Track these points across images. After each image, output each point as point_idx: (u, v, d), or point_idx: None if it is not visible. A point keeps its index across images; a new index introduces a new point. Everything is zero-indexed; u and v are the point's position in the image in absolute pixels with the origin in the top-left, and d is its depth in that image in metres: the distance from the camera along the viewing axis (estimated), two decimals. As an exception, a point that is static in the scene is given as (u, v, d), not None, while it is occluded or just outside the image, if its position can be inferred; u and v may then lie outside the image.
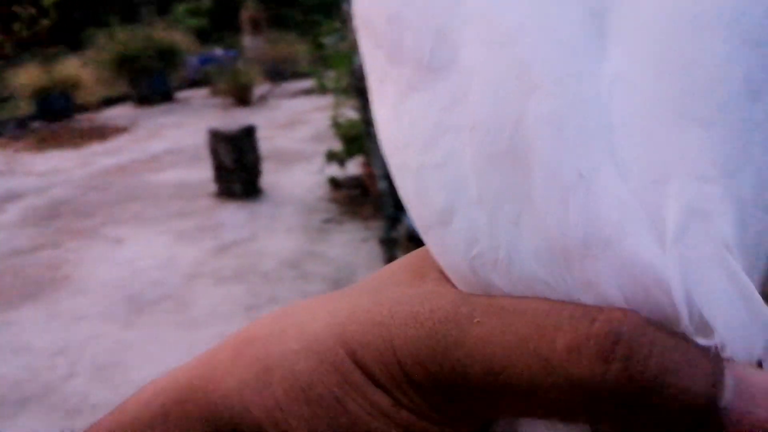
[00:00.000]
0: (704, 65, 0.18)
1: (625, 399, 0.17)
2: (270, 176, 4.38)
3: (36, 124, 7.02)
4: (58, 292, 3.05)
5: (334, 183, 4.16)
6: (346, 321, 0.21)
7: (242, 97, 7.36)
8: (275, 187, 4.32)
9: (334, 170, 4.08)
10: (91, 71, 7.57)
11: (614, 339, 0.17)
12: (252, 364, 0.22)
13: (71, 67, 7.41)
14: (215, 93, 7.73)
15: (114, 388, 2.26)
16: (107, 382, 2.31)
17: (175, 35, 8.26)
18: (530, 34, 0.19)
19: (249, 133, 4.16)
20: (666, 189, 0.18)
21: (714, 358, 0.17)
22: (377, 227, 3.37)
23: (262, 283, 2.99)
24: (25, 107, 7.19)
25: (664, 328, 0.17)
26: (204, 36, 9.87)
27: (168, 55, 7.91)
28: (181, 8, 10.41)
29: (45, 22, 8.09)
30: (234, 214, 3.92)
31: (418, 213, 0.22)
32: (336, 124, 4.04)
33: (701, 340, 0.17)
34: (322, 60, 4.61)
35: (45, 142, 6.30)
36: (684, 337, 0.17)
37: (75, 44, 8.34)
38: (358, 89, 3.17)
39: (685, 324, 0.17)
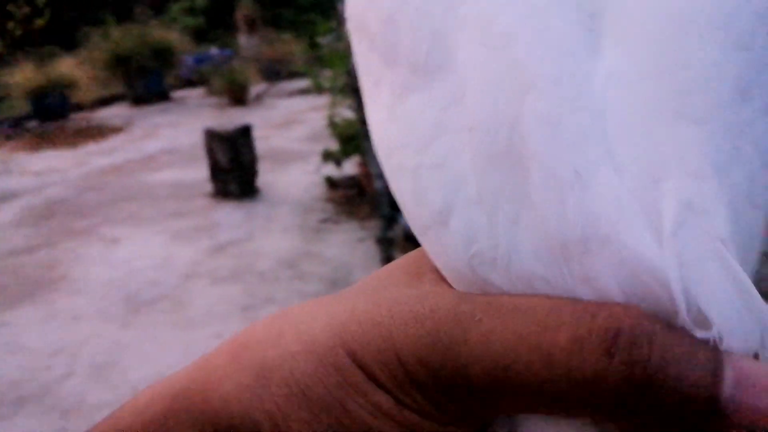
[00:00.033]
0: (697, 66, 0.19)
1: (628, 392, 0.17)
2: (266, 176, 4.38)
3: (31, 124, 7.01)
4: (54, 293, 3.04)
5: (331, 183, 4.15)
6: (345, 322, 0.21)
7: (238, 97, 7.35)
8: (271, 187, 4.31)
9: (330, 170, 4.07)
10: (86, 71, 7.55)
11: (616, 333, 0.17)
12: (250, 368, 0.22)
13: (66, 66, 7.39)
14: (211, 92, 7.72)
15: (111, 388, 2.25)
16: (104, 382, 2.31)
17: (171, 34, 8.24)
18: (526, 35, 0.19)
19: (245, 132, 4.15)
20: (662, 186, 0.18)
21: (713, 350, 0.17)
22: (374, 227, 3.37)
23: (259, 283, 2.99)
24: (20, 107, 7.17)
25: (663, 321, 0.17)
26: (199, 35, 9.86)
27: (163, 55, 7.89)
28: (176, 7, 10.38)
29: (39, 22, 8.06)
30: (230, 213, 3.91)
31: (415, 214, 0.22)
32: (332, 124, 4.03)
33: (700, 333, 0.17)
34: (318, 59, 4.60)
35: (40, 142, 6.29)
36: (683, 330, 0.17)
37: (70, 43, 8.31)
38: (354, 89, 3.16)
39: (684, 317, 0.17)
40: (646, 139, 0.18)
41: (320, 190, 4.18)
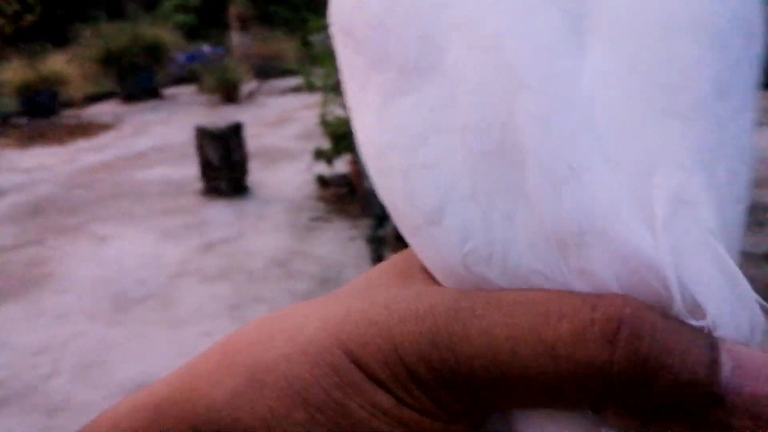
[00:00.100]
0: (678, 65, 0.20)
1: (631, 381, 0.17)
2: (257, 174, 4.37)
3: (21, 121, 6.97)
4: (41, 290, 3.02)
5: (322, 181, 4.15)
6: (341, 322, 0.21)
7: (230, 95, 7.34)
8: (262, 185, 4.30)
9: (321, 168, 4.07)
10: (77, 67, 7.52)
11: (617, 323, 0.17)
12: (240, 373, 0.21)
13: (57, 63, 7.36)
14: (202, 90, 7.70)
15: (97, 388, 2.24)
16: (90, 381, 2.29)
17: (162, 32, 8.21)
18: (514, 37, 0.20)
19: (236, 130, 4.14)
20: (652, 179, 0.19)
21: (709, 339, 0.18)
22: (365, 226, 3.37)
23: (249, 282, 2.98)
24: (9, 103, 7.12)
25: (660, 311, 0.18)
26: (191, 33, 9.83)
27: (155, 52, 7.87)
28: (168, 4, 10.36)
29: (29, 18, 8.02)
30: (220, 212, 3.90)
31: (406, 214, 0.22)
32: (324, 122, 4.02)
33: (694, 322, 0.18)
34: (310, 57, 4.60)
35: (30, 139, 6.25)
36: (679, 320, 0.18)
37: (60, 40, 8.27)
38: (345, 87, 3.15)
39: (679, 307, 0.18)
40: (634, 135, 0.19)
41: (311, 188, 4.17)
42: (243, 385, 0.21)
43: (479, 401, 0.19)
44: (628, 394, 0.17)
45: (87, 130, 6.48)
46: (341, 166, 4.03)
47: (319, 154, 3.99)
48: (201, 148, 4.11)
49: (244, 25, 9.44)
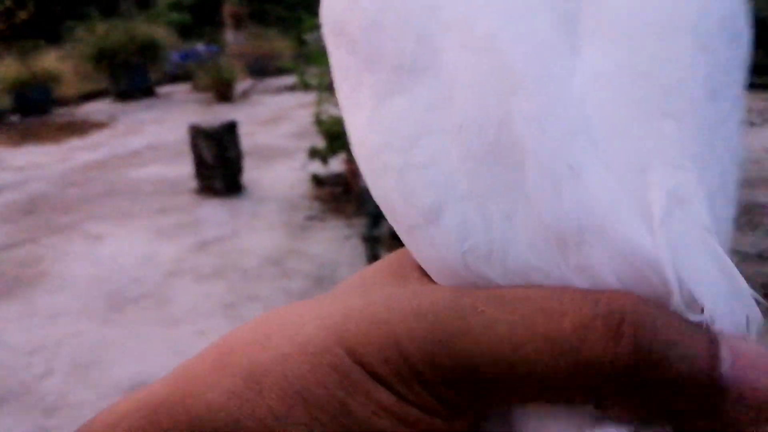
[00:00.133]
0: (670, 67, 0.20)
1: (635, 374, 0.17)
2: (252, 173, 4.36)
3: (14, 118, 6.93)
4: (35, 289, 3.00)
5: (317, 180, 4.14)
6: (340, 321, 0.20)
7: (224, 93, 7.32)
8: (257, 184, 4.29)
9: (316, 167, 4.06)
10: (71, 65, 7.49)
11: (620, 318, 0.18)
12: (237, 374, 0.21)
13: (50, 60, 7.32)
14: (197, 88, 7.68)
15: (92, 387, 2.23)
16: (85, 380, 2.28)
17: (157, 30, 8.18)
18: (507, 37, 0.20)
19: (230, 129, 4.13)
20: (647, 178, 0.19)
21: (708, 332, 0.18)
22: (360, 225, 3.36)
23: (243, 281, 2.97)
24: (2, 101, 7.08)
25: (660, 306, 0.18)
26: (185, 31, 9.80)
27: (149, 50, 7.84)
28: (162, 2, 10.32)
29: (22, 14, 7.97)
30: (215, 210, 3.89)
31: (402, 213, 0.22)
32: (319, 121, 4.02)
33: (693, 317, 0.18)
34: (305, 56, 4.59)
35: (23, 137, 6.22)
36: (679, 314, 0.18)
37: (54, 37, 8.23)
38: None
39: (678, 302, 0.18)
40: (629, 134, 0.19)
41: (306, 187, 4.16)
42: (240, 385, 0.20)
43: (482, 397, 0.19)
44: (631, 387, 0.17)
45: (81, 128, 6.45)
46: (336, 165, 4.02)
47: (314, 153, 3.98)
48: (195, 147, 4.09)
49: (239, 23, 9.42)
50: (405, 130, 0.22)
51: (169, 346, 2.45)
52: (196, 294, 2.87)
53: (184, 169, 4.38)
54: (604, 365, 0.17)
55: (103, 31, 7.61)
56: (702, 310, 0.18)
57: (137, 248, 3.39)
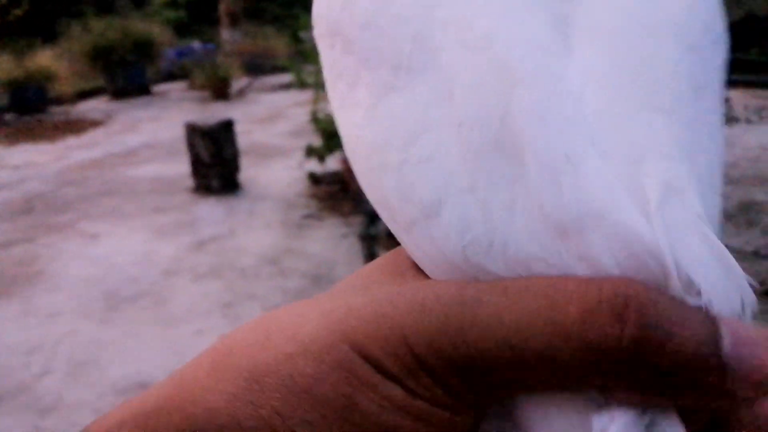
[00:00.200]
0: (658, 64, 0.21)
1: (640, 355, 0.18)
2: (248, 171, 4.36)
3: (9, 117, 6.91)
4: (32, 288, 3.00)
5: (314, 178, 4.14)
6: (343, 318, 0.20)
7: (220, 91, 7.31)
8: (254, 183, 4.29)
9: (313, 165, 4.06)
10: (66, 63, 7.47)
11: (624, 301, 0.18)
12: (238, 375, 0.21)
13: (45, 58, 7.30)
14: (193, 86, 7.67)
15: (90, 387, 2.23)
16: (82, 380, 2.28)
17: (152, 27, 8.17)
18: (505, 36, 0.21)
19: (227, 127, 4.12)
20: (642, 168, 0.20)
21: (708, 314, 0.18)
22: (357, 223, 3.36)
23: (241, 280, 2.97)
24: (-3, 99, 7.06)
25: (660, 290, 0.18)
26: (181, 29, 9.78)
27: (145, 48, 7.82)
28: (158, 0, 10.29)
29: (17, 12, 7.94)
30: (211, 209, 3.89)
31: (400, 210, 0.22)
32: (315, 119, 4.02)
33: (691, 300, 0.18)
34: (301, 54, 4.58)
35: (18, 136, 6.20)
36: (678, 297, 0.18)
37: (49, 35, 8.20)
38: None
39: (676, 286, 0.18)
40: (623, 127, 0.20)
41: (303, 185, 4.16)
42: (242, 387, 0.20)
43: (490, 387, 0.19)
44: (636, 369, 0.18)
45: (76, 126, 6.43)
46: (333, 163, 4.02)
47: (311, 151, 3.98)
48: (192, 145, 4.09)
49: (234, 21, 9.41)
50: (404, 128, 0.22)
51: (167, 346, 2.45)
52: (194, 293, 2.87)
53: (181, 167, 4.37)
54: (611, 347, 0.18)
55: (98, 29, 7.59)
56: (699, 294, 0.18)
57: (134, 247, 3.39)
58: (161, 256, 3.24)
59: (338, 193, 3.96)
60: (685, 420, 0.19)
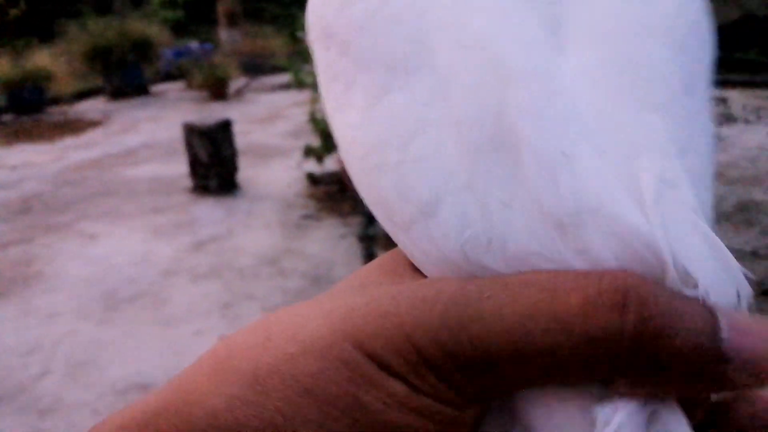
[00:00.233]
0: (649, 64, 0.22)
1: (642, 346, 0.18)
2: (247, 171, 4.35)
3: (7, 117, 6.90)
4: (30, 289, 2.99)
5: (312, 179, 4.14)
6: (345, 317, 0.21)
7: (218, 91, 7.30)
8: (252, 183, 4.29)
9: (311, 166, 4.06)
10: (64, 63, 7.46)
11: (624, 293, 0.18)
12: (239, 378, 0.21)
13: (43, 59, 7.29)
14: (191, 87, 7.66)
15: (89, 387, 2.22)
16: (82, 381, 2.28)
17: (150, 27, 8.16)
18: (499, 36, 0.21)
19: (225, 127, 4.12)
20: (637, 164, 0.20)
21: (706, 304, 0.19)
22: (356, 223, 3.36)
23: (239, 280, 2.97)
24: (-5, 100, 7.05)
25: (658, 282, 0.19)
26: (179, 28, 9.78)
27: (143, 48, 7.82)
28: (156, 0, 10.28)
29: (15, 12, 7.93)
30: (210, 209, 3.89)
31: (398, 210, 0.23)
32: (314, 120, 4.01)
33: (688, 291, 0.19)
34: (300, 54, 4.58)
35: (16, 136, 6.19)
36: (677, 289, 0.19)
37: (47, 35, 8.19)
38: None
39: (674, 278, 0.19)
40: (617, 124, 0.20)
41: (301, 186, 4.16)
42: (244, 388, 0.20)
43: (493, 382, 0.20)
44: (638, 359, 0.18)
45: (74, 126, 6.43)
46: (331, 163, 4.02)
47: (309, 152, 3.97)
48: (190, 146, 4.08)
49: (232, 20, 9.40)
50: (401, 127, 0.22)
51: (166, 346, 2.44)
52: (192, 293, 2.86)
53: (179, 167, 4.37)
54: (612, 338, 0.18)
55: (96, 29, 7.58)
56: (696, 286, 0.19)
57: (132, 248, 3.38)
58: (160, 257, 3.24)
59: (337, 193, 3.96)
60: (685, 411, 0.19)
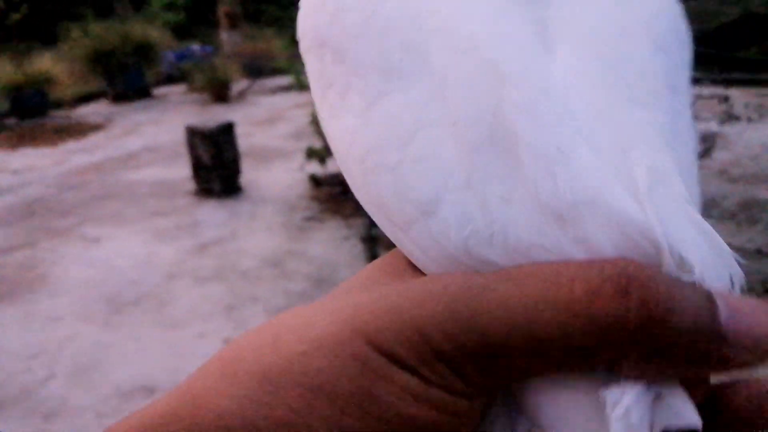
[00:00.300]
0: (634, 63, 0.23)
1: (646, 329, 0.19)
2: (249, 174, 4.35)
3: (9, 122, 6.91)
4: (33, 293, 3.00)
5: (315, 181, 4.14)
6: (353, 314, 0.21)
7: (220, 94, 7.30)
8: (255, 185, 4.29)
9: (314, 168, 4.06)
10: (66, 67, 7.47)
11: (626, 279, 0.19)
12: (249, 379, 0.21)
13: (45, 62, 7.30)
14: (192, 89, 7.66)
15: (93, 391, 2.23)
16: (86, 384, 2.28)
17: (152, 30, 8.16)
18: (490, 38, 0.22)
19: (227, 130, 4.12)
20: (630, 157, 0.21)
21: (703, 288, 0.19)
22: (358, 225, 3.36)
23: (243, 282, 2.97)
24: (-3, 104, 7.06)
25: (657, 268, 0.19)
26: (181, 31, 9.79)
27: (144, 51, 7.82)
28: (157, 3, 10.30)
29: (16, 16, 7.94)
30: (213, 212, 3.89)
31: (397, 211, 0.23)
32: (316, 121, 4.00)
33: (685, 277, 0.20)
34: (300, 56, 4.58)
35: (19, 140, 6.20)
36: (674, 275, 0.20)
37: (48, 39, 8.21)
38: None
39: (670, 264, 0.19)
40: (608, 120, 0.21)
41: (304, 188, 4.16)
42: (254, 389, 0.20)
43: (503, 371, 0.20)
44: (641, 342, 0.19)
45: (77, 130, 6.43)
46: (334, 165, 4.01)
47: (312, 154, 3.97)
48: (192, 148, 4.08)
49: (234, 23, 9.41)
50: (399, 129, 0.23)
51: (170, 349, 2.45)
52: (196, 296, 2.87)
53: (182, 170, 4.37)
54: (617, 322, 0.19)
55: (97, 33, 7.58)
56: (692, 271, 0.20)
57: (136, 251, 3.39)
58: (163, 260, 3.24)
59: (339, 195, 3.96)
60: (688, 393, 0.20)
